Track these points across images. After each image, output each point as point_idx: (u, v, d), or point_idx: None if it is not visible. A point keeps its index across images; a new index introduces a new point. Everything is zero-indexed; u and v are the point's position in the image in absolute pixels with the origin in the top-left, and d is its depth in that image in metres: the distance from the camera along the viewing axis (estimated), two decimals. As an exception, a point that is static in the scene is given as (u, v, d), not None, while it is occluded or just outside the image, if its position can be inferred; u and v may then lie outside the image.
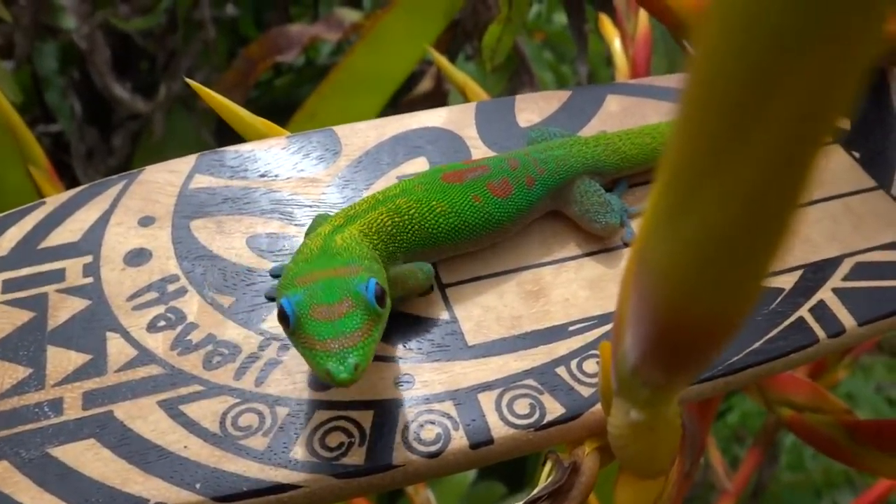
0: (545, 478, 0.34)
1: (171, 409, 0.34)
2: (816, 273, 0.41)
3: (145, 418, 0.34)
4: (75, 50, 1.23)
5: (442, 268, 0.41)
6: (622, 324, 0.22)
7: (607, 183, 0.45)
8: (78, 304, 0.38)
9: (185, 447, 0.33)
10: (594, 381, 0.36)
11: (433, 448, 0.33)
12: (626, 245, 0.42)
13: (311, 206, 0.43)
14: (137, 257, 0.40)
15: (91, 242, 0.41)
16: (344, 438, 0.33)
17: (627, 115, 0.50)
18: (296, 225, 0.42)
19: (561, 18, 1.39)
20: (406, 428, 0.34)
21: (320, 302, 0.31)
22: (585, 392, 0.35)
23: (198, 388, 0.35)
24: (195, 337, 0.37)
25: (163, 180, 0.44)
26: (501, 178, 0.40)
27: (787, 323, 0.38)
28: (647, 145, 0.45)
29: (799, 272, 0.41)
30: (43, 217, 0.42)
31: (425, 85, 1.22)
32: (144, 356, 0.36)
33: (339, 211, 0.39)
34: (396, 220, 0.38)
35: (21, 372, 0.35)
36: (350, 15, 1.27)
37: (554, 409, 0.35)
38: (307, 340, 0.30)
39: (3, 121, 0.62)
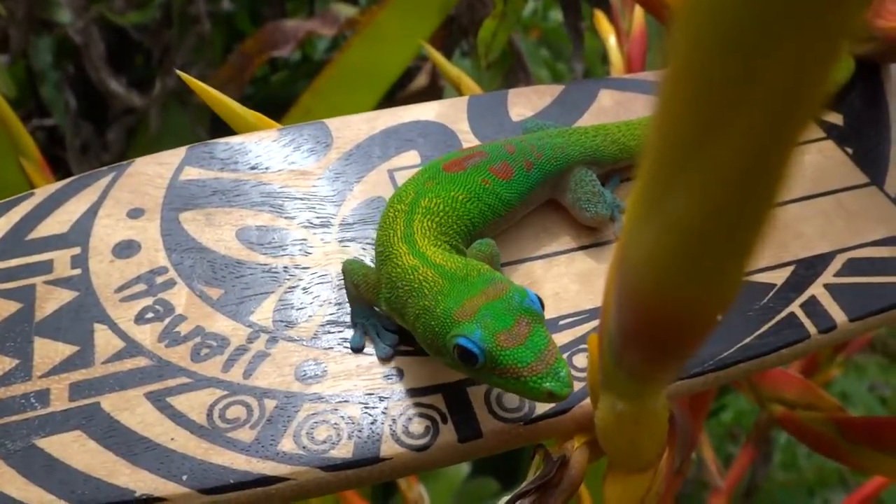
0: (534, 472, 0.34)
1: (159, 401, 0.34)
2: (808, 269, 0.41)
3: (132, 410, 0.33)
4: (70, 44, 1.23)
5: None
6: (607, 316, 0.22)
7: (600, 177, 0.45)
8: (65, 296, 0.38)
9: (172, 439, 0.32)
10: (584, 375, 0.35)
11: (421, 441, 0.33)
12: (616, 239, 0.42)
13: (301, 199, 0.43)
14: (126, 249, 0.40)
15: (79, 234, 0.40)
16: (332, 431, 0.33)
17: (620, 110, 0.49)
18: (286, 217, 0.42)
19: (557, 15, 1.39)
20: (394, 421, 0.34)
21: (499, 330, 0.30)
22: (575, 386, 0.35)
23: (185, 380, 0.35)
24: (183, 329, 0.37)
25: (152, 172, 0.44)
26: (501, 161, 0.41)
27: (778, 318, 0.38)
28: (645, 137, 0.45)
29: (790, 268, 0.41)
30: (31, 208, 0.41)
31: (421, 81, 1.22)
32: (132, 348, 0.36)
33: (381, 241, 0.37)
34: (437, 220, 0.37)
35: (7, 363, 0.35)
36: (346, 10, 1.26)
37: (543, 404, 0.34)
38: (510, 371, 0.30)
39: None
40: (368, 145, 0.46)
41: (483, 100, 0.50)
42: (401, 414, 0.34)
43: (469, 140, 0.47)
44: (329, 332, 0.37)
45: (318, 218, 0.42)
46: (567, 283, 0.40)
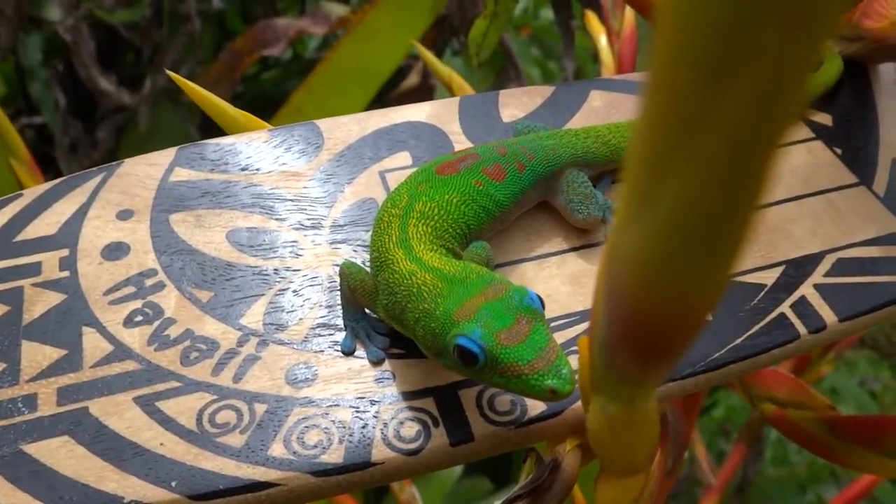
0: (525, 475, 0.33)
1: (148, 406, 0.34)
2: (798, 269, 0.41)
3: (121, 415, 0.33)
4: (60, 42, 1.22)
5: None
6: (597, 318, 0.21)
7: (591, 179, 0.45)
8: (54, 298, 0.37)
9: (161, 444, 0.32)
10: (576, 377, 0.35)
11: (413, 445, 0.33)
12: (607, 241, 0.42)
13: (292, 200, 0.43)
14: (115, 251, 0.40)
15: (68, 236, 0.40)
16: (323, 436, 0.33)
17: (611, 111, 0.49)
18: (276, 219, 0.42)
19: (547, 14, 1.39)
20: (386, 425, 0.33)
21: (499, 328, 0.30)
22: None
23: (175, 384, 0.34)
24: (173, 332, 0.36)
25: (142, 173, 0.43)
26: (493, 163, 0.40)
27: (768, 319, 0.38)
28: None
29: (780, 268, 0.41)
30: (19, 209, 0.41)
31: (412, 80, 1.22)
32: (121, 351, 0.35)
33: (376, 247, 0.37)
34: (432, 224, 0.37)
35: (-5, 368, 0.35)
36: (337, 9, 1.26)
37: (535, 406, 0.34)
38: (511, 369, 0.30)
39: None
40: (359, 146, 0.46)
41: (474, 101, 0.50)
42: (392, 418, 0.34)
43: (460, 141, 0.47)
44: (320, 335, 0.37)
45: (309, 220, 0.42)
46: (558, 285, 0.40)
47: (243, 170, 0.44)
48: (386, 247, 0.36)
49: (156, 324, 0.37)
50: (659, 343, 0.18)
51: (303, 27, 1.25)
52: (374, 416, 0.34)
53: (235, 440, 0.33)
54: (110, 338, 0.36)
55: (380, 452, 0.33)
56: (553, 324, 0.38)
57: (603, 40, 0.72)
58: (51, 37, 1.27)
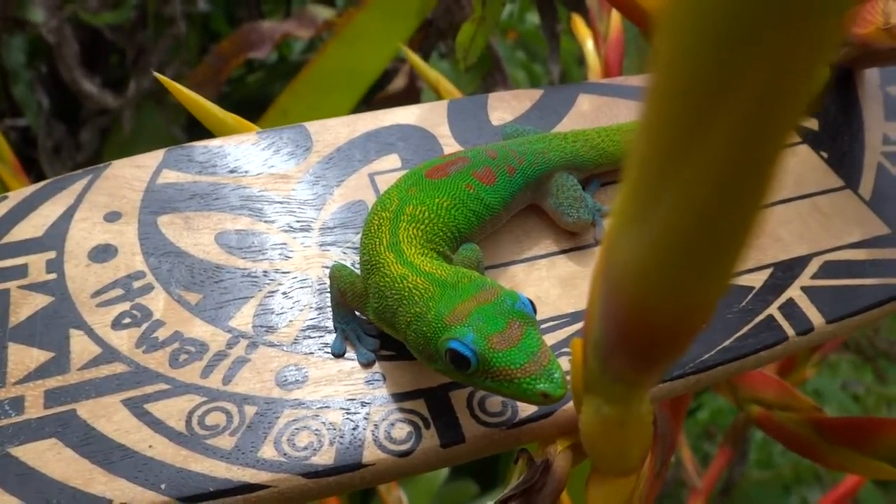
0: (517, 476, 0.33)
1: (136, 408, 0.33)
2: (786, 271, 0.41)
3: (109, 417, 0.33)
4: (43, 43, 1.21)
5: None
6: (592, 320, 0.22)
7: (580, 182, 0.45)
8: (41, 301, 0.37)
9: (150, 447, 0.32)
10: (567, 381, 0.35)
11: (404, 447, 0.33)
12: (597, 243, 0.42)
13: (281, 203, 0.43)
14: (103, 253, 0.39)
15: (55, 238, 0.40)
16: (313, 437, 0.33)
17: (599, 115, 0.50)
18: (265, 221, 0.42)
19: (533, 18, 1.40)
20: (376, 426, 0.33)
21: (491, 332, 0.30)
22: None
23: (163, 386, 0.34)
24: (161, 334, 0.36)
25: (129, 175, 0.43)
26: (483, 167, 0.41)
27: (756, 321, 0.39)
28: (624, 142, 0.45)
29: (768, 270, 0.41)
30: (5, 212, 0.41)
31: (398, 83, 1.22)
32: (109, 354, 0.35)
33: (366, 251, 0.37)
34: (422, 227, 0.37)
35: (-19, 370, 0.34)
36: (323, 12, 1.26)
37: (526, 408, 0.34)
38: (503, 373, 0.30)
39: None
40: (349, 149, 0.46)
41: (463, 104, 0.50)
42: (383, 419, 0.34)
43: (449, 144, 0.47)
44: (310, 337, 0.37)
45: (298, 222, 0.42)
46: (548, 287, 0.40)
47: (232, 172, 0.44)
48: (377, 250, 0.36)
49: (144, 326, 0.36)
50: (656, 345, 0.18)
51: (288, 30, 1.25)
52: (365, 418, 0.34)
53: (225, 442, 0.32)
54: (98, 340, 0.36)
55: (371, 454, 0.32)
56: (543, 326, 0.38)
57: (590, 44, 0.73)
58: (34, 38, 1.26)
